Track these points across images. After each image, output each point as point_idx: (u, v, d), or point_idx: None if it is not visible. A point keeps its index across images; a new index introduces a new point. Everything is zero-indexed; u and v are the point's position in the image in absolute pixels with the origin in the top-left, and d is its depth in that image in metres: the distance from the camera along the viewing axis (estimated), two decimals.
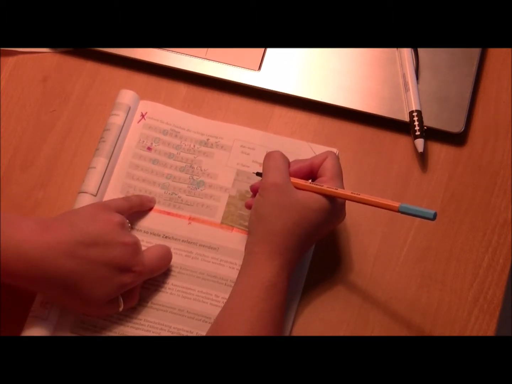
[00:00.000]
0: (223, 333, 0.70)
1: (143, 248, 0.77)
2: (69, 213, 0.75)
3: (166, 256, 0.78)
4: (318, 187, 0.73)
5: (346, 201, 0.75)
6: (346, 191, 0.73)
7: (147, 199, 0.81)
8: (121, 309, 0.75)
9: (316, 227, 0.74)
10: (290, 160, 0.77)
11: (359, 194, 0.73)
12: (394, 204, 0.70)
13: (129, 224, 0.77)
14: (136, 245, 0.74)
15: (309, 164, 0.76)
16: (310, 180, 0.76)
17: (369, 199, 0.72)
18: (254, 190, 0.78)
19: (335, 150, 0.82)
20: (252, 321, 0.70)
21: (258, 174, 0.78)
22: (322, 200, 0.73)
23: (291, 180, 0.74)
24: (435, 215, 0.68)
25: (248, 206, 0.78)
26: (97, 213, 0.74)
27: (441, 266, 0.80)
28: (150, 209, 0.81)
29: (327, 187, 0.73)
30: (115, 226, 0.73)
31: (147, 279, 0.77)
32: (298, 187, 0.74)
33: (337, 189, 0.73)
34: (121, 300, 0.75)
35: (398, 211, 0.70)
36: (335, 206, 0.74)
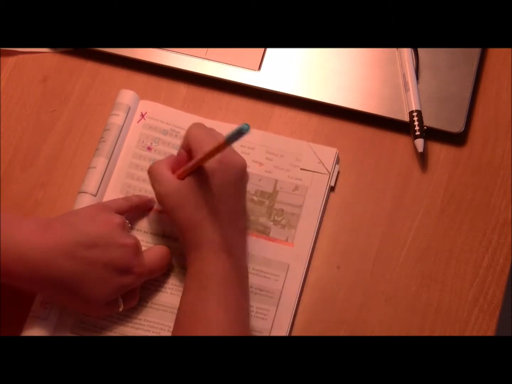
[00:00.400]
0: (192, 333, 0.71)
1: (143, 248, 0.77)
2: (69, 214, 0.75)
3: (165, 257, 0.78)
4: (182, 170, 0.73)
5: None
6: (192, 161, 0.72)
7: (147, 199, 0.81)
8: (121, 309, 0.75)
9: (213, 197, 0.73)
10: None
11: (201, 156, 0.71)
12: (220, 144, 0.69)
13: (129, 225, 0.77)
14: (136, 246, 0.74)
15: (182, 148, 0.76)
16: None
17: (207, 152, 0.71)
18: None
19: (335, 150, 0.82)
20: (195, 318, 0.71)
21: None
22: (201, 171, 0.73)
23: (176, 175, 0.74)
24: (247, 126, 0.65)
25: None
26: (97, 213, 0.74)
27: (441, 266, 0.80)
28: (150, 209, 0.81)
29: (184, 168, 0.73)
30: (115, 227, 0.73)
31: (147, 279, 0.77)
32: (180, 178, 0.74)
33: (189, 164, 0.72)
34: (121, 301, 0.75)
35: (226, 143, 0.68)
36: (210, 172, 0.73)
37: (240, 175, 0.75)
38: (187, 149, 0.75)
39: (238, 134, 0.67)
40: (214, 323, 0.70)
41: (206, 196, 0.72)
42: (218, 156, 0.71)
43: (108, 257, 0.72)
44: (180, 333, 0.71)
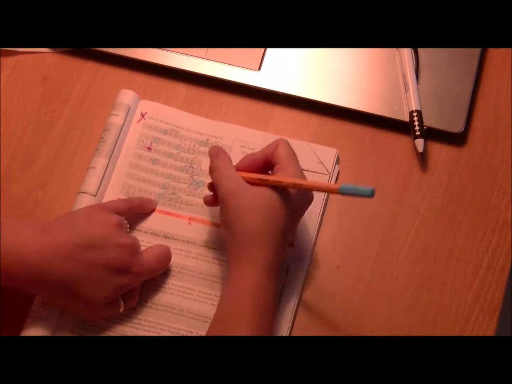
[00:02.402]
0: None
1: (143, 248, 0.77)
2: (66, 216, 0.75)
3: (165, 256, 0.78)
4: (264, 179, 0.73)
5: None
6: (289, 180, 0.72)
7: (148, 201, 0.81)
8: (121, 310, 0.75)
9: (283, 216, 0.72)
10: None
11: (301, 184, 0.72)
12: (334, 189, 0.69)
13: (128, 225, 0.77)
14: (134, 245, 0.74)
15: (263, 156, 0.76)
16: (270, 172, 0.76)
17: (312, 184, 0.73)
18: (208, 203, 0.78)
19: (335, 150, 0.82)
20: (242, 327, 0.69)
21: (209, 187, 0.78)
22: (270, 192, 0.72)
23: (242, 176, 0.74)
24: (372, 192, 0.66)
25: (207, 202, 0.78)
26: (93, 214, 0.74)
27: (441, 266, 0.80)
28: (152, 211, 0.81)
29: (273, 180, 0.73)
30: (112, 227, 0.73)
31: (146, 279, 0.77)
32: (249, 182, 0.73)
33: (281, 181, 0.72)
34: (122, 302, 0.75)
35: (339, 193, 0.68)
36: (292, 194, 0.73)
37: (306, 209, 0.76)
38: (267, 159, 0.75)
39: (357, 193, 0.67)
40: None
41: (276, 213, 0.72)
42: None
43: (106, 257, 0.72)
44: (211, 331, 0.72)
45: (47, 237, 0.70)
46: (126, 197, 0.81)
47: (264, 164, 0.76)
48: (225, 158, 0.75)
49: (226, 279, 0.74)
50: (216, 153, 0.76)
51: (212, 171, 0.75)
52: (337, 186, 0.69)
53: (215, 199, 0.77)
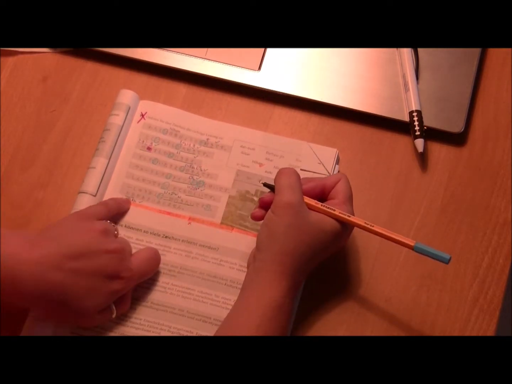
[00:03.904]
0: None
1: (140, 247, 0.77)
2: (51, 228, 0.74)
3: (154, 259, 0.77)
4: (331, 211, 0.73)
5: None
6: (360, 220, 0.73)
7: (123, 201, 0.80)
8: (114, 316, 0.75)
9: (325, 249, 0.74)
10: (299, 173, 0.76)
11: (373, 226, 0.73)
12: (409, 243, 0.71)
13: (115, 227, 0.77)
14: (122, 250, 0.74)
15: (322, 185, 0.76)
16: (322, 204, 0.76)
17: (384, 233, 0.73)
18: (264, 203, 0.76)
19: (335, 150, 0.82)
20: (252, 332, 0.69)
21: (266, 185, 0.77)
22: (335, 224, 0.73)
23: (304, 200, 0.74)
24: (449, 260, 0.69)
25: (255, 218, 0.77)
26: (78, 223, 0.74)
27: (441, 266, 0.79)
28: (126, 210, 0.80)
29: (340, 213, 0.73)
30: (98, 234, 0.73)
31: (141, 281, 0.77)
32: (310, 208, 0.74)
33: (350, 216, 0.73)
34: (114, 308, 0.74)
35: (413, 249, 0.71)
36: (345, 230, 0.74)
37: (338, 250, 0.77)
38: (328, 188, 0.75)
39: (432, 256, 0.70)
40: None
41: (325, 243, 0.73)
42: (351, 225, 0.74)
43: (95, 265, 0.71)
44: (220, 330, 0.72)
45: (35, 250, 0.69)
46: (126, 197, 0.81)
47: (320, 193, 0.76)
48: (296, 173, 0.75)
49: (249, 285, 0.73)
50: (294, 171, 0.75)
51: (280, 174, 0.75)
52: (412, 242, 0.71)
53: (263, 215, 0.76)
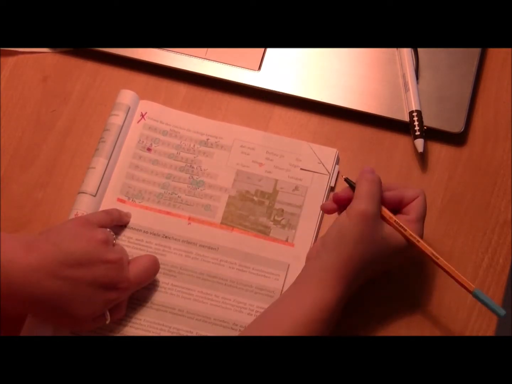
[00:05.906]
0: (266, 333, 0.70)
1: (136, 250, 0.77)
2: (52, 231, 0.73)
3: (153, 268, 0.77)
4: (403, 230, 0.73)
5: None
6: (428, 249, 0.73)
7: (125, 214, 0.80)
8: (108, 322, 0.74)
9: (385, 263, 0.74)
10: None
11: (438, 258, 0.73)
12: (469, 287, 0.71)
13: (114, 236, 0.76)
14: (120, 261, 0.73)
15: (401, 197, 0.75)
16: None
17: (447, 269, 0.72)
18: (337, 199, 0.76)
19: (335, 150, 0.82)
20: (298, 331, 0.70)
21: (347, 181, 0.76)
22: (403, 242, 0.73)
23: (381, 210, 0.74)
24: (504, 315, 0.70)
25: (326, 210, 0.77)
26: (80, 230, 0.73)
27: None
28: (126, 223, 0.80)
29: (411, 235, 0.73)
30: (98, 243, 0.72)
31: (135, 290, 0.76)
32: (383, 219, 0.73)
33: (419, 242, 0.73)
34: (108, 314, 0.74)
35: (471, 294, 0.71)
36: (409, 250, 0.74)
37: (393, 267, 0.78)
38: (406, 202, 0.75)
39: (488, 306, 0.70)
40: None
41: (386, 251, 0.73)
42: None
43: (93, 275, 0.71)
44: (253, 325, 0.72)
45: (32, 255, 0.69)
46: (126, 197, 0.81)
47: (396, 204, 0.75)
48: (379, 180, 0.74)
49: (308, 279, 0.73)
50: (378, 178, 0.74)
51: (365, 179, 0.74)
52: (471, 288, 0.71)
53: (334, 209, 0.76)
